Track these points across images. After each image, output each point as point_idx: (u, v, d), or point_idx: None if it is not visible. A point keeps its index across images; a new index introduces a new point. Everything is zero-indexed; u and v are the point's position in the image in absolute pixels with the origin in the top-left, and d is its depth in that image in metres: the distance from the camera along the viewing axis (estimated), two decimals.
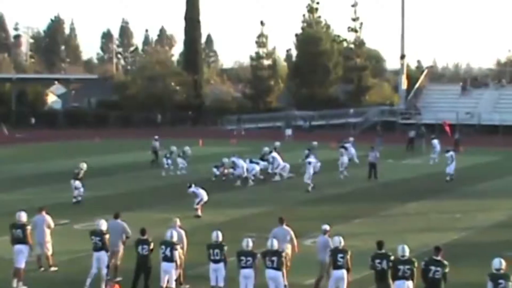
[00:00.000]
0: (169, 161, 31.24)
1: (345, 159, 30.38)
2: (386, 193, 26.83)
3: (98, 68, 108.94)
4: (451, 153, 29.40)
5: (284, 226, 14.58)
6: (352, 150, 34.50)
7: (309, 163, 26.88)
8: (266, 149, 30.93)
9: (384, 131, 56.71)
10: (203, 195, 21.82)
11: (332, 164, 34.40)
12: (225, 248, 13.56)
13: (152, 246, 14.02)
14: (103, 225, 14.49)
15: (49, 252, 15.71)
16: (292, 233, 14.41)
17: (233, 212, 22.60)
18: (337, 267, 13.05)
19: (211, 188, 26.77)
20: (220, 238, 13.68)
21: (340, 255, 13.17)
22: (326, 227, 14.09)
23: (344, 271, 13.05)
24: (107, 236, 14.40)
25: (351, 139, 36.40)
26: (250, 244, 13.23)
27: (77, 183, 23.93)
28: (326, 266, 13.54)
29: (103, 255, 14.13)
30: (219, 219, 21.38)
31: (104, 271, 14.10)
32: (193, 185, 22.14)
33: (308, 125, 59.81)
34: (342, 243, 13.38)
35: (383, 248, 12.94)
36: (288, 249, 14.39)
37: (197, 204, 21.78)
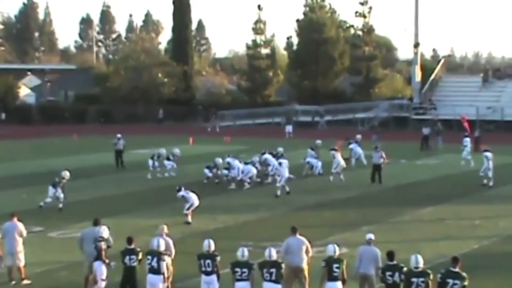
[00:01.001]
0: (156, 163, 31.21)
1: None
2: (398, 197, 26.83)
3: (76, 58, 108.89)
4: (488, 153, 29.23)
5: (298, 236, 14.49)
6: (359, 150, 34.55)
7: (280, 163, 26.78)
8: (281, 149, 30.79)
9: (395, 127, 56.94)
10: (194, 199, 21.81)
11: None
12: (218, 258, 13.53)
13: (140, 256, 14.00)
14: (105, 231, 14.52)
15: (21, 264, 15.67)
16: (308, 244, 14.31)
17: (227, 218, 22.59)
18: (332, 278, 13.06)
19: (203, 192, 26.70)
20: (213, 248, 13.65)
21: (335, 265, 13.17)
22: (371, 236, 13.96)
23: (339, 283, 13.07)
24: (103, 244, 14.47)
25: (359, 136, 36.42)
26: (246, 254, 13.21)
27: (55, 191, 23.68)
28: (373, 280, 13.46)
29: (98, 265, 14.12)
30: (211, 226, 21.36)
31: (102, 284, 14.04)
32: (182, 189, 22.13)
33: (325, 121, 59.59)
34: (337, 252, 13.37)
35: (395, 259, 12.93)
36: (304, 262, 14.19)
37: (187, 209, 21.77)
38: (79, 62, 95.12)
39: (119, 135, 35.39)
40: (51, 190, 23.94)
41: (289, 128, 53.62)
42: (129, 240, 14.21)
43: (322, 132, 52.90)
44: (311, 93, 64.56)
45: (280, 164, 26.91)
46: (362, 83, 66.46)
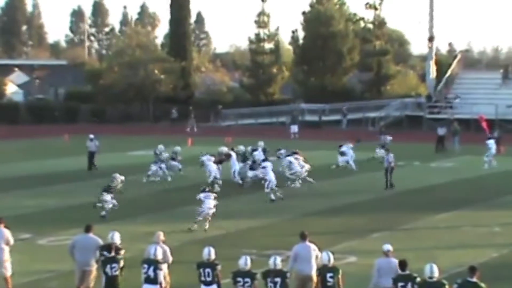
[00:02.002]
0: (163, 166, 30.89)
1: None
2: (411, 202, 26.82)
3: (67, 53, 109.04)
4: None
5: (308, 243, 14.50)
6: (350, 153, 34.43)
7: (264, 167, 26.78)
8: (282, 151, 30.82)
9: (408, 127, 56.92)
10: (207, 207, 21.69)
11: (347, 168, 34.39)
12: (219, 267, 13.55)
13: (122, 263, 14.06)
14: (116, 237, 14.59)
15: (8, 273, 15.69)
16: (318, 251, 14.30)
17: (229, 224, 22.61)
18: None
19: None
20: (213, 256, 13.67)
21: (329, 274, 13.17)
22: (389, 247, 13.86)
23: None
24: (122, 252, 14.62)
25: (358, 143, 36.24)
26: (249, 262, 13.23)
27: (108, 197, 23.66)
28: None
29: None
30: (211, 232, 21.38)
31: None
32: (205, 190, 22.08)
33: (346, 121, 59.40)
34: (332, 260, 13.38)
35: (407, 269, 12.93)
36: (314, 270, 14.01)
37: (200, 215, 21.69)
38: (70, 57, 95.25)
39: (91, 136, 35.12)
40: (107, 196, 23.60)
41: (294, 128, 53.65)
42: (109, 248, 14.24)
43: (329, 132, 52.99)
44: (318, 91, 64.57)
45: (264, 168, 26.70)
46: (372, 80, 66.45)
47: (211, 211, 21.70)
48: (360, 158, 39.46)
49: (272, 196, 26.10)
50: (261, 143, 31.44)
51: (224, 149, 30.76)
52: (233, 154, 30.13)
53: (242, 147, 31.45)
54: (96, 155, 34.57)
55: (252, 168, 29.13)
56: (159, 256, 13.73)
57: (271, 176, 26.36)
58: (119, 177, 24.91)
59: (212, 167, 28.66)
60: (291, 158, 29.12)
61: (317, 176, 31.19)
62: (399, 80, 68.92)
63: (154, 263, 13.62)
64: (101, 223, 20.33)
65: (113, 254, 14.16)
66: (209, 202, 21.71)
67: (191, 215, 24.00)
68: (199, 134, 52.30)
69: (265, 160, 28.35)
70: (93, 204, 23.54)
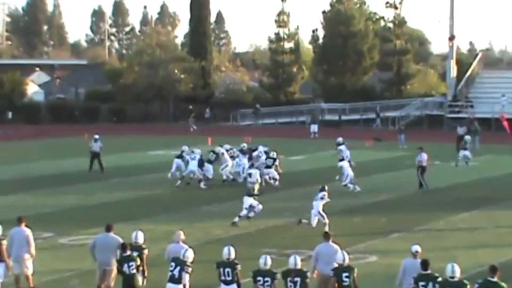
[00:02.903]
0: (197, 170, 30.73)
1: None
2: (431, 202, 26.71)
3: (88, 53, 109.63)
4: None
5: (331, 243, 14.49)
6: (347, 153, 33.69)
7: (249, 173, 26.33)
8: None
9: (429, 126, 56.66)
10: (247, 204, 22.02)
11: (367, 167, 34.32)
12: (238, 267, 13.56)
13: (139, 262, 14.15)
14: (140, 237, 14.67)
15: (29, 272, 15.78)
16: (341, 252, 14.23)
17: (248, 223, 22.61)
18: None
19: (222, 195, 26.81)
20: (233, 255, 13.69)
21: (345, 274, 13.12)
22: (417, 248, 13.76)
23: None
24: (145, 252, 14.73)
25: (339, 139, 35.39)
26: (269, 262, 13.22)
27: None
28: None
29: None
30: (231, 232, 21.41)
31: None
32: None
33: (380, 122, 58.99)
34: (347, 260, 13.36)
35: (429, 268, 12.88)
36: None
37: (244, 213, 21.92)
38: (90, 57, 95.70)
39: (96, 136, 34.80)
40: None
41: (314, 128, 53.58)
42: (124, 247, 14.30)
43: (348, 131, 52.83)
44: (338, 90, 64.42)
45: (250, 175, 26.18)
46: (392, 80, 66.24)
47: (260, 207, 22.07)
48: (382, 157, 39.36)
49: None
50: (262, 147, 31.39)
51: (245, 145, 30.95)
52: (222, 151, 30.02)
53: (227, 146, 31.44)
54: (100, 156, 34.19)
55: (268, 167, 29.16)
56: (189, 260, 13.68)
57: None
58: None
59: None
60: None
61: (335, 175, 31.19)
62: (419, 79, 68.64)
63: (182, 264, 13.59)
64: (122, 222, 20.40)
65: (128, 253, 14.20)
66: (248, 200, 21.97)
67: (210, 214, 24.10)
68: (197, 133, 52.51)
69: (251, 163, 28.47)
70: None
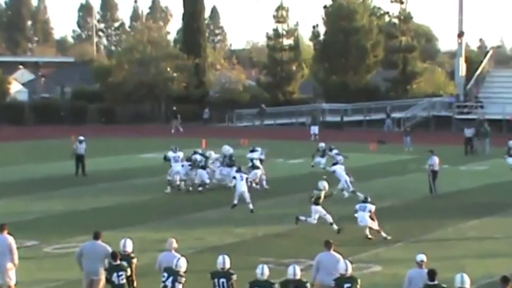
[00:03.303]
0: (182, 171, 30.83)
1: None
2: (439, 208, 26.73)
3: (74, 49, 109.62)
4: None
5: (333, 252, 14.50)
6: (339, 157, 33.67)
7: (234, 177, 26.24)
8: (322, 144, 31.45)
9: (436, 128, 56.69)
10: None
11: (370, 171, 34.33)
12: (234, 277, 13.56)
13: (129, 272, 14.16)
14: (129, 245, 14.70)
15: (12, 282, 15.76)
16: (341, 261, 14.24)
17: (245, 231, 22.62)
18: None
19: (217, 200, 26.80)
20: (228, 265, 13.68)
21: (347, 284, 13.14)
22: (423, 257, 13.81)
23: None
24: (134, 261, 14.73)
25: (322, 144, 35.27)
26: (266, 272, 13.22)
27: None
28: None
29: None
30: (226, 239, 21.41)
31: None
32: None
33: (391, 123, 58.75)
34: (350, 270, 13.36)
35: (436, 279, 12.89)
36: None
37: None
38: (77, 54, 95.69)
39: (81, 137, 34.90)
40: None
41: (314, 129, 53.64)
42: (114, 256, 14.30)
43: (352, 134, 52.92)
44: (340, 90, 64.52)
45: (234, 177, 26.14)
46: (398, 78, 66.34)
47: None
48: (387, 161, 39.41)
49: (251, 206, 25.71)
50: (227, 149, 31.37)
51: (230, 149, 30.88)
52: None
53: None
54: (84, 159, 34.10)
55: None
56: (182, 269, 13.67)
57: (241, 188, 25.62)
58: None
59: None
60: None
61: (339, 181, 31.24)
62: (426, 78, 68.76)
63: (175, 274, 13.57)
64: (110, 229, 20.40)
65: (118, 262, 14.22)
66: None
67: (204, 220, 24.08)
68: (182, 135, 52.85)
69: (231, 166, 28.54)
70: None
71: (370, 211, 21.63)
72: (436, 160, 29.36)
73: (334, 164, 29.18)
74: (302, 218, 22.39)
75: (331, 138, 49.94)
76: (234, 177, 26.10)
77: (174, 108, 61.04)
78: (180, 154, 29.75)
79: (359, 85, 65.95)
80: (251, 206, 25.27)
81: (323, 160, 34.01)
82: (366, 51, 66.70)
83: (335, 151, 33.29)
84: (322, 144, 34.63)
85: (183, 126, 58.34)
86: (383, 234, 21.44)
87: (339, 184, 27.91)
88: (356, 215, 21.72)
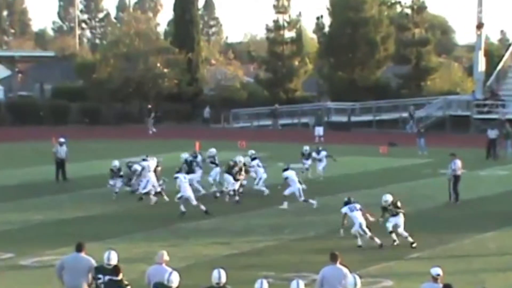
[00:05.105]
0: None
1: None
2: (456, 217, 26.74)
3: (55, 43, 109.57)
4: None
5: (339, 265, 14.51)
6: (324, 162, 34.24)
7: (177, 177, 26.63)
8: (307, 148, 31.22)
9: (452, 129, 56.68)
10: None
11: (381, 177, 34.34)
12: None
13: None
14: (113, 258, 14.67)
15: None
16: (350, 276, 14.26)
17: (243, 242, 22.63)
18: None
19: (214, 209, 26.78)
20: (224, 279, 13.68)
21: None
22: (438, 270, 13.89)
23: None
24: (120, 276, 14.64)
25: (306, 148, 35.31)
26: (266, 287, 13.25)
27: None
28: None
29: None
30: (223, 252, 21.42)
31: None
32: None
33: (413, 122, 58.30)
34: (359, 285, 13.40)
35: None
36: None
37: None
38: (58, 48, 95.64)
39: (62, 139, 34.97)
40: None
41: (319, 131, 53.64)
42: (116, 270, 14.26)
43: (360, 135, 52.90)
44: (347, 87, 64.56)
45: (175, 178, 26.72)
46: (410, 74, 66.39)
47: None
48: (398, 165, 39.43)
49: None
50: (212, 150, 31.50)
51: (214, 151, 31.17)
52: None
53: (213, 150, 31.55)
54: (65, 163, 34.14)
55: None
56: (174, 285, 13.64)
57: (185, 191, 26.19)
58: None
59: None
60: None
61: (346, 187, 31.24)
62: (442, 74, 68.81)
63: None
64: (94, 241, 20.41)
65: (120, 277, 14.09)
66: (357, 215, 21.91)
67: (198, 231, 24.08)
68: (158, 137, 53.10)
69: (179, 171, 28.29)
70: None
71: (361, 209, 21.89)
72: (458, 163, 29.33)
73: (286, 169, 28.92)
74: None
75: (337, 139, 50.05)
76: (177, 177, 26.52)
77: (149, 106, 61.07)
78: (152, 163, 29.60)
79: (367, 82, 65.97)
80: (182, 208, 25.84)
81: (308, 162, 34.20)
82: (376, 45, 66.73)
83: (323, 153, 33.57)
84: (306, 148, 34.69)
85: (174, 127, 58.39)
86: (377, 241, 21.57)
87: (288, 190, 27.76)
88: (351, 215, 21.78)
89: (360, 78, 66.14)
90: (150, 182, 28.81)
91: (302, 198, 27.61)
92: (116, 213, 27.28)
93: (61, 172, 34.10)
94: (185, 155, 30.65)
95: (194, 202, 26.10)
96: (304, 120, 62.19)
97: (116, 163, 30.71)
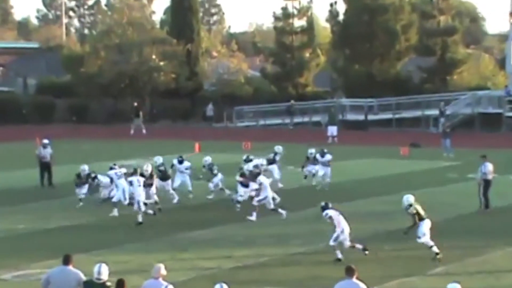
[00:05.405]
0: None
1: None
2: (485, 226, 26.73)
3: (39, 33, 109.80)
4: None
5: (356, 281, 14.54)
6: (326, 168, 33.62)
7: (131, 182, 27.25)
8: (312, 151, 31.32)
9: (482, 128, 56.66)
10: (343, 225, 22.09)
11: (402, 181, 34.35)
12: None
13: None
14: (104, 272, 14.73)
15: None
16: None
17: (247, 254, 22.67)
18: None
19: (213, 218, 26.85)
20: None
21: None
22: (457, 286, 14.00)
23: None
24: None
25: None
26: None
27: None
28: None
29: None
30: (225, 265, 21.46)
31: None
32: (329, 205, 22.34)
33: (444, 121, 57.87)
34: None
35: None
36: None
37: (334, 240, 21.86)
38: (42, 39, 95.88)
39: (46, 140, 35.06)
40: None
41: (332, 130, 53.68)
42: (121, 285, 14.32)
43: (378, 135, 52.83)
44: (364, 82, 64.55)
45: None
46: (435, 67, 66.38)
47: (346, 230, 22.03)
48: (421, 169, 39.44)
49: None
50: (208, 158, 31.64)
51: (209, 159, 31.34)
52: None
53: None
54: (51, 166, 34.25)
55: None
56: None
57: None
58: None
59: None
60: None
61: (362, 192, 31.26)
62: (470, 66, 68.72)
63: None
64: (82, 252, 20.47)
65: None
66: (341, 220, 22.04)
67: (197, 242, 24.13)
68: (153, 137, 53.52)
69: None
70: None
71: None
72: (489, 167, 29.28)
73: (270, 163, 29.07)
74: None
75: (352, 140, 50.06)
76: (131, 182, 27.07)
77: (135, 104, 61.16)
78: (122, 170, 29.67)
79: (387, 76, 65.97)
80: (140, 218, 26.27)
81: (316, 168, 33.46)
82: (396, 34, 66.71)
83: (328, 157, 33.37)
84: (311, 151, 33.93)
85: (173, 125, 58.45)
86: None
87: (259, 197, 27.72)
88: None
89: (378, 71, 66.12)
90: (124, 192, 28.40)
91: (272, 207, 27.55)
92: (106, 222, 27.34)
93: (47, 176, 34.16)
94: (174, 160, 31.18)
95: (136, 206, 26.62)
96: (316, 118, 62.19)
97: (85, 167, 30.44)
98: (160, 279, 14.68)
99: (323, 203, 22.45)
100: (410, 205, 22.51)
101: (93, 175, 30.14)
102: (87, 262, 17.37)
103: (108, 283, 14.90)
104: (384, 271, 20.69)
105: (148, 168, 28.96)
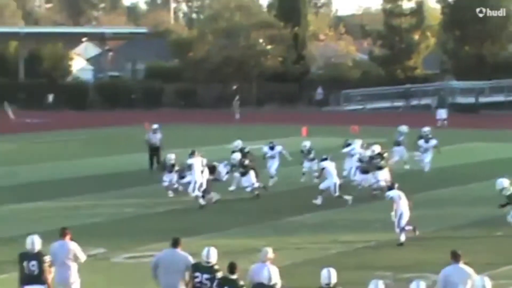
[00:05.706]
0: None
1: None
2: None
3: (148, 18, 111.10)
4: None
5: (462, 265, 14.36)
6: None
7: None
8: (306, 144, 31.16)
9: None
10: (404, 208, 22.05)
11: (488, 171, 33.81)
12: None
13: None
14: (213, 255, 14.80)
15: None
16: (476, 278, 14.07)
17: (353, 238, 22.58)
18: None
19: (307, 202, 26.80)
20: (334, 280, 13.49)
21: None
22: (486, 282, 13.61)
23: None
24: (219, 275, 14.77)
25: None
26: None
27: None
28: None
29: None
30: (331, 249, 21.42)
31: None
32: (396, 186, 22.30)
33: None
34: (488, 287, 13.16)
35: None
36: None
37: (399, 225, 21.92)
38: (151, 24, 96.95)
39: (155, 125, 35.39)
40: None
41: (442, 113, 53.12)
42: (232, 268, 14.42)
43: (489, 119, 51.98)
44: (475, 64, 63.58)
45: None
46: None
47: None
48: None
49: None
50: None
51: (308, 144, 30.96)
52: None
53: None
54: (160, 151, 34.49)
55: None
56: (278, 286, 13.75)
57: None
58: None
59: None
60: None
61: (473, 176, 30.87)
62: None
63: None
64: (190, 235, 20.63)
65: (235, 276, 14.22)
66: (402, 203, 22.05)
67: (303, 226, 24.15)
68: (259, 121, 53.48)
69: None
70: None
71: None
72: None
73: (324, 159, 27.96)
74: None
75: (462, 123, 49.35)
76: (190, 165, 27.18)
77: (235, 87, 61.35)
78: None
79: (498, 58, 64.86)
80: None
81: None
82: (510, 15, 65.47)
83: (433, 142, 32.69)
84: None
85: (278, 110, 58.36)
86: None
87: (324, 183, 27.25)
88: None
89: (490, 53, 65.03)
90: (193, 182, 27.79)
91: (337, 194, 27.22)
92: (213, 206, 27.52)
93: (156, 160, 34.56)
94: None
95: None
96: (425, 101, 61.54)
97: (172, 156, 29.78)
98: (268, 263, 14.75)
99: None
100: (503, 189, 22.21)
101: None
102: (194, 245, 17.52)
103: (216, 266, 15.00)
104: (492, 257, 20.37)
105: (236, 156, 28.90)
